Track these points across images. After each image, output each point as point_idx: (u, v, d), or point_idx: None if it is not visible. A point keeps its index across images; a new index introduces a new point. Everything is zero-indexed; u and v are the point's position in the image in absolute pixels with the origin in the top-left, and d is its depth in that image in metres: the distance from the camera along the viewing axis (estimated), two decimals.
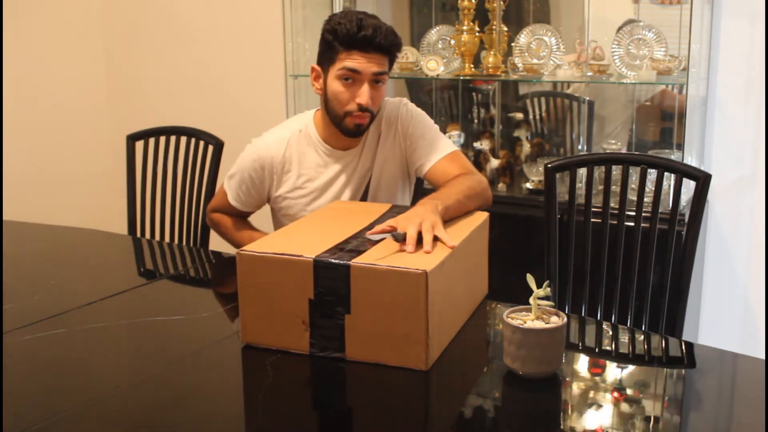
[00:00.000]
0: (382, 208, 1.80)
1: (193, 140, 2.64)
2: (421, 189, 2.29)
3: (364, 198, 2.07)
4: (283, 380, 1.40)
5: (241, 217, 2.20)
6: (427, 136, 2.03)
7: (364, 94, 1.89)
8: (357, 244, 1.50)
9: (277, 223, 2.14)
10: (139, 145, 2.71)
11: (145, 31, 3.87)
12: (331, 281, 1.41)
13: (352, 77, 1.89)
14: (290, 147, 2.04)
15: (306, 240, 1.55)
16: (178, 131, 2.70)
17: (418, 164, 2.03)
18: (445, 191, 1.80)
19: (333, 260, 1.41)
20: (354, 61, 1.87)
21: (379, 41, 1.87)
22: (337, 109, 1.93)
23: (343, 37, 1.87)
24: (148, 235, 2.72)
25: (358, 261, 1.40)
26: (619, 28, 2.78)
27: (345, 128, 1.95)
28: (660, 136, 2.97)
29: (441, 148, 2.01)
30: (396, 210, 1.78)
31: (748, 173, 2.71)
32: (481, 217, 1.74)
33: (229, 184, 2.12)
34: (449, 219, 1.70)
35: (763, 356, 1.52)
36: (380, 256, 1.43)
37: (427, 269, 1.36)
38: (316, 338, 1.45)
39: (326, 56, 1.93)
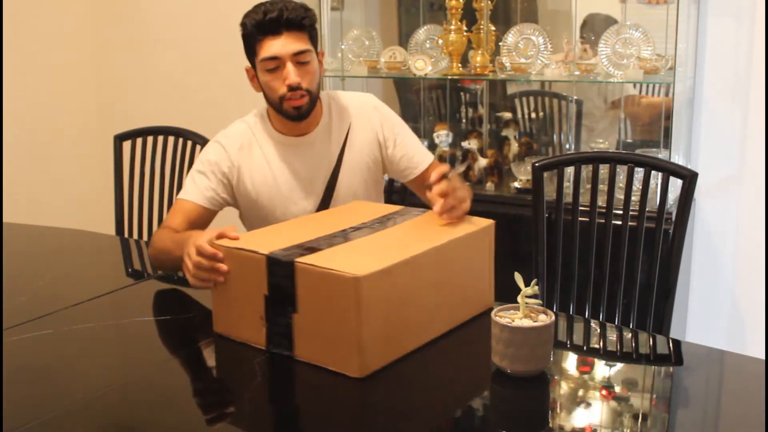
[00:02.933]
0: (389, 209, 1.74)
1: (180, 140, 2.63)
2: (392, 188, 2.34)
3: (330, 186, 2.00)
4: (271, 380, 1.40)
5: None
6: (414, 141, 2.08)
7: (289, 74, 1.87)
8: (321, 243, 1.47)
9: (245, 221, 2.07)
10: (127, 145, 2.70)
11: (133, 31, 3.86)
12: (280, 278, 1.40)
13: (275, 64, 1.88)
14: (247, 134, 2.01)
15: (280, 237, 1.53)
16: (166, 131, 2.69)
17: (404, 166, 2.03)
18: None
19: (280, 257, 1.40)
20: (270, 47, 1.87)
21: (287, 17, 1.86)
22: (273, 97, 1.92)
23: (252, 27, 1.88)
24: (135, 236, 2.71)
25: (303, 260, 1.37)
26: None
27: (287, 114, 1.93)
28: (647, 135, 2.98)
29: (427, 154, 2.07)
30: (408, 212, 1.71)
31: (735, 172, 2.72)
32: (483, 222, 1.63)
33: (192, 186, 1.96)
34: None
35: (749, 353, 1.52)
36: (333, 256, 1.39)
37: (360, 274, 1.31)
38: (271, 334, 1.45)
39: (249, 53, 1.94)
